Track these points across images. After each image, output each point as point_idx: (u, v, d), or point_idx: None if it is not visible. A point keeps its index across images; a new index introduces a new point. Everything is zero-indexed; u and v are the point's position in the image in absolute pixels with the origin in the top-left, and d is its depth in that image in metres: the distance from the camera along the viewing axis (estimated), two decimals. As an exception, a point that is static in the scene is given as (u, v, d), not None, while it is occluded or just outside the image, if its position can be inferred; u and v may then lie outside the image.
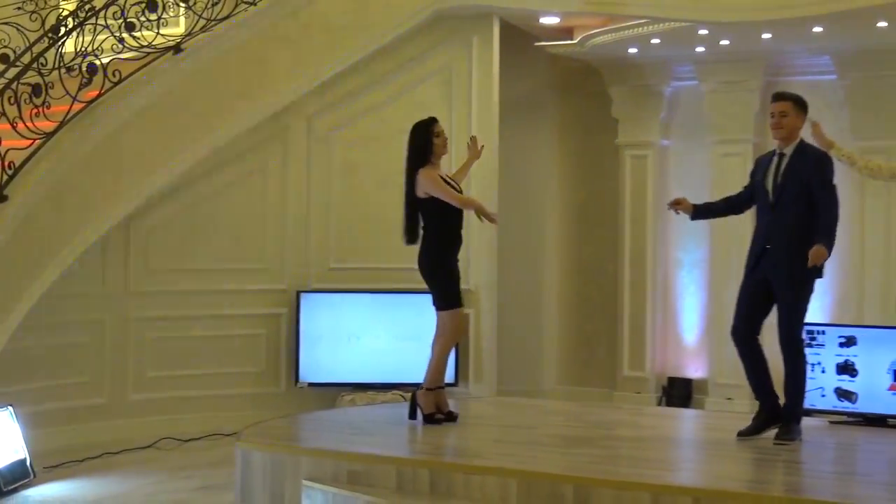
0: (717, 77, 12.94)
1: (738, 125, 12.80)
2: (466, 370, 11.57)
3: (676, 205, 8.41)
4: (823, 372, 10.35)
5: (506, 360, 12.41)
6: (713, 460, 7.77)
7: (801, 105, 8.08)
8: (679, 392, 13.16)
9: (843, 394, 10.33)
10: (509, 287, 12.65)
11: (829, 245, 7.79)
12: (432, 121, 8.75)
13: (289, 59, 11.09)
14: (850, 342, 10.32)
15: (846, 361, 10.33)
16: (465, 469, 7.09)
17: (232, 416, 10.73)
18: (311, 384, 11.21)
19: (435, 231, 8.63)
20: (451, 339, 8.79)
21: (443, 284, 8.61)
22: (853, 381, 10.29)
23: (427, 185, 8.56)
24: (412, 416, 8.73)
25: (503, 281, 12.21)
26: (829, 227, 7.85)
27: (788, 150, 8.04)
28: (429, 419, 8.61)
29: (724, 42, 12.11)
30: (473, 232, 10.49)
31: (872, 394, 10.19)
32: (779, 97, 8.15)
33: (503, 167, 12.00)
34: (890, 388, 10.27)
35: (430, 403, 8.66)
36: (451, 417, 8.69)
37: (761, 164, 8.28)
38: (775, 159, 8.09)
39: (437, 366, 8.70)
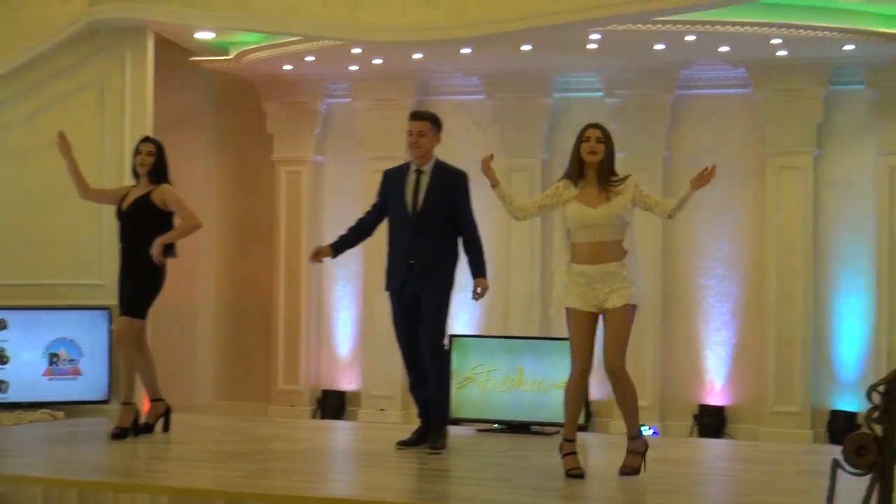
0: (370, 95, 13.21)
1: (390, 142, 12.99)
2: (117, 386, 11.36)
3: (316, 255, 8.42)
4: None
5: (159, 374, 12.23)
6: (365, 471, 7.95)
7: (437, 124, 8.32)
8: (333, 404, 13.35)
9: None
10: (162, 301, 12.50)
11: (485, 272, 8.19)
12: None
13: (-70, 68, 10.71)
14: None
15: None
16: (115, 487, 7.01)
17: None
18: (-46, 404, 10.80)
19: None
20: None
21: None
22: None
23: None
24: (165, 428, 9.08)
25: (157, 295, 12.07)
26: (481, 257, 8.22)
27: (427, 168, 8.24)
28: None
29: (377, 61, 12.36)
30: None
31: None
32: (416, 116, 8.35)
33: (158, 181, 11.86)
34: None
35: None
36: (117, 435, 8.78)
37: (393, 180, 8.37)
38: (413, 176, 8.24)
39: None
